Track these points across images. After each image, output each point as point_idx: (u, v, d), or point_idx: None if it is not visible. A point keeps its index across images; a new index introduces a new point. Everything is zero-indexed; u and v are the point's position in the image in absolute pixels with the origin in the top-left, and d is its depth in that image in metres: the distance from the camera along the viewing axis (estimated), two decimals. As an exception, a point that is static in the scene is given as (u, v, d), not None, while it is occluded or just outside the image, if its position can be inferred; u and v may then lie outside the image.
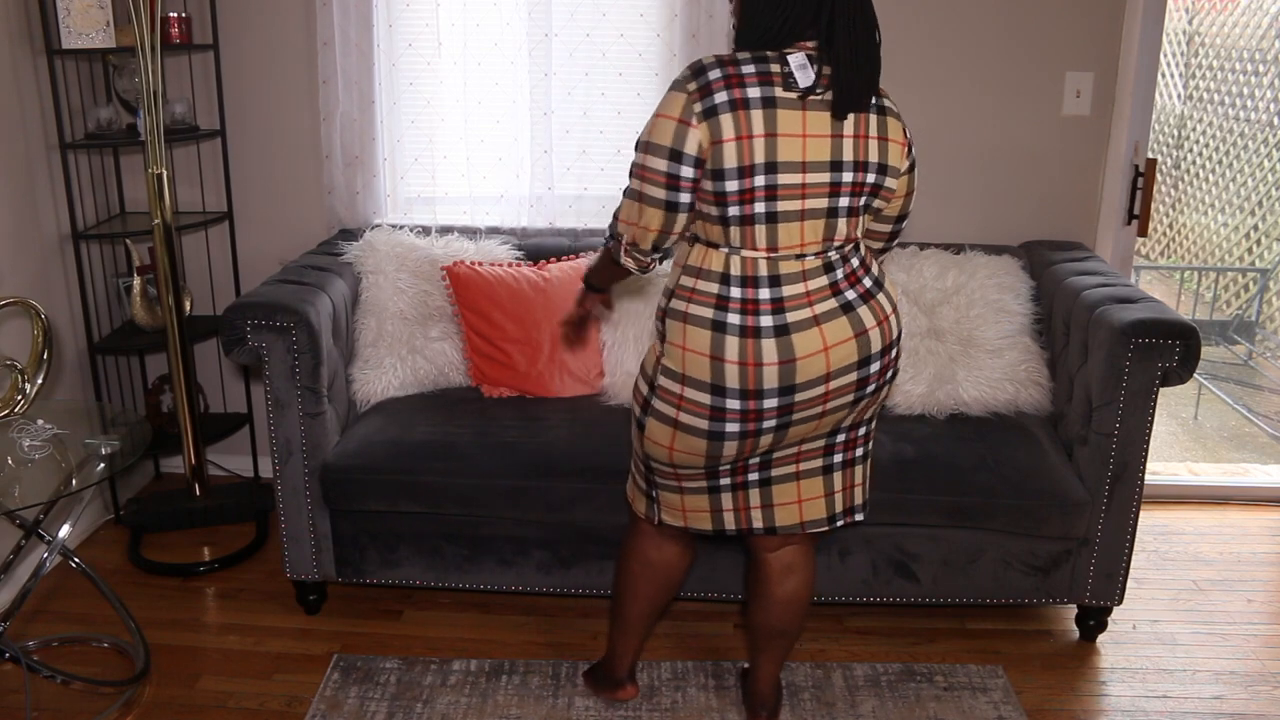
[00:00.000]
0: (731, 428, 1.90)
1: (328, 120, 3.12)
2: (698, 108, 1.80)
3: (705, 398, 1.89)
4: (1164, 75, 6.54)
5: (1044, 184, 3.21)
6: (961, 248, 3.05)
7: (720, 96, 1.79)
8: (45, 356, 2.53)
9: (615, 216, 1.96)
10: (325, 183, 3.20)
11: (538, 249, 3.10)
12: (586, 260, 2.10)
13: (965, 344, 2.84)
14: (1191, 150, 6.60)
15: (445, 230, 3.11)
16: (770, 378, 1.86)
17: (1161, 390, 2.50)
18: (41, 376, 2.52)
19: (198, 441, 3.14)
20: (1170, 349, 2.45)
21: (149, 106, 2.82)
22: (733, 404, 1.88)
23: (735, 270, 1.88)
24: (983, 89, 3.14)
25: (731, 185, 1.82)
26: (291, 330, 2.54)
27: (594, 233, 3.20)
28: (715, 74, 1.80)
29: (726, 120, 1.79)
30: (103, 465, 2.34)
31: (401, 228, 3.07)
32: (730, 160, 1.81)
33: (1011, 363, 2.83)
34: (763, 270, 1.87)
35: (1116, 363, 2.48)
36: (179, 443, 3.15)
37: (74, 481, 2.28)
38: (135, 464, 3.10)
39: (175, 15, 2.98)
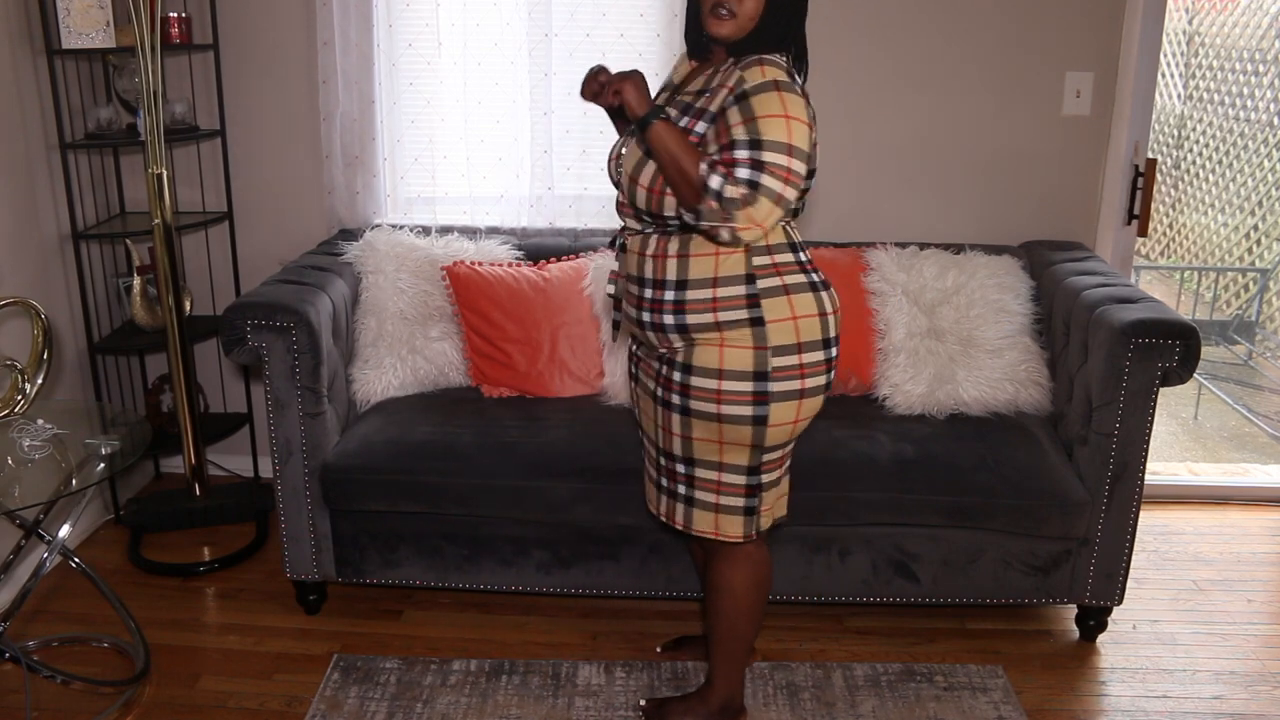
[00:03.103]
0: (830, 375, 2.08)
1: (328, 120, 3.12)
2: (811, 112, 1.91)
3: (821, 354, 2.03)
4: (1164, 75, 6.54)
5: (1044, 184, 3.21)
6: (961, 248, 3.05)
7: (807, 100, 1.93)
8: (45, 356, 2.53)
9: (729, 199, 1.82)
10: (325, 183, 3.20)
11: (538, 249, 3.10)
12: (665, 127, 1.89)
13: (965, 344, 2.84)
14: (1191, 150, 6.60)
15: (445, 230, 3.11)
16: (836, 325, 2.07)
17: (1161, 390, 2.50)
18: (41, 376, 2.52)
19: (198, 441, 3.14)
20: (1170, 349, 2.45)
21: (149, 106, 2.82)
22: (832, 352, 2.06)
23: (795, 238, 2.05)
24: (983, 89, 3.14)
25: (811, 182, 1.97)
26: (291, 330, 2.54)
27: (594, 233, 3.20)
28: (797, 78, 1.94)
29: (814, 123, 1.93)
30: (103, 465, 2.34)
31: (401, 228, 3.07)
32: (816, 160, 1.98)
33: (1011, 363, 2.83)
34: (796, 237, 2.07)
35: (1116, 363, 2.48)
36: (179, 443, 3.15)
37: (74, 481, 2.28)
38: (135, 464, 3.10)
39: (175, 15, 2.98)
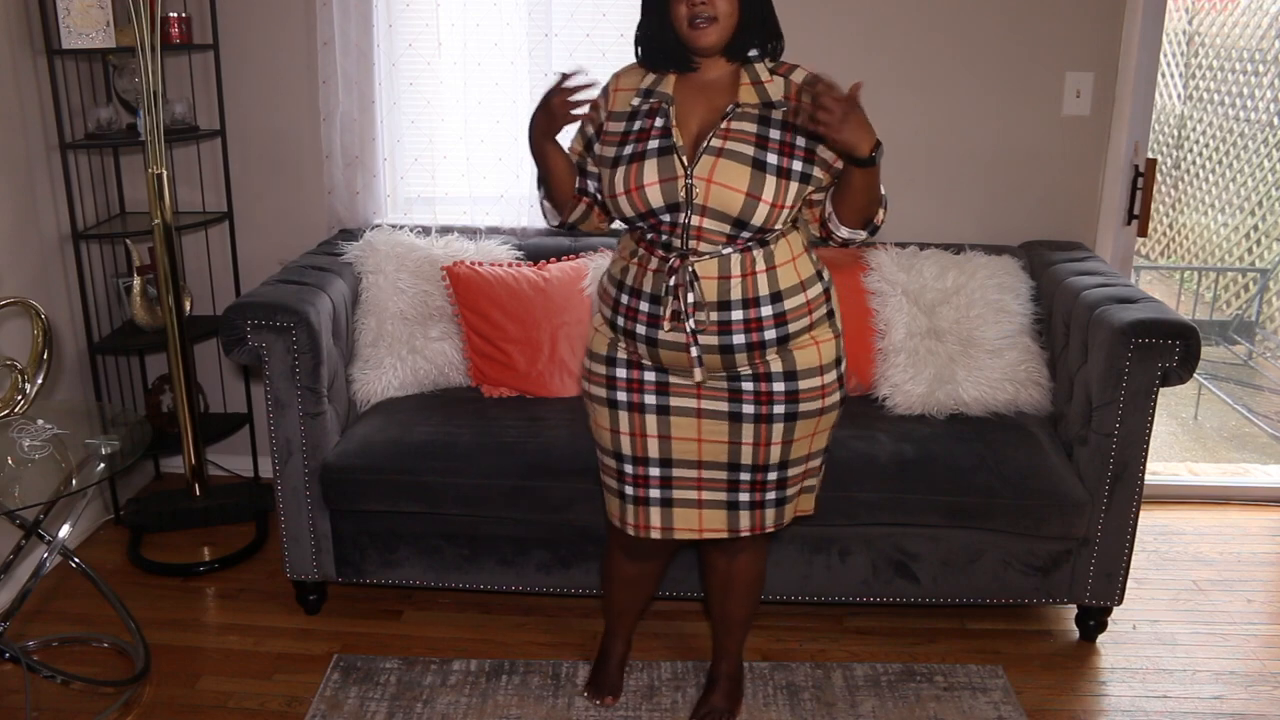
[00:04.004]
0: None
1: (328, 120, 3.12)
2: None
3: None
4: (1164, 75, 6.54)
5: (1044, 184, 3.21)
6: (961, 248, 3.04)
7: None
8: (45, 356, 2.53)
9: (886, 207, 2.00)
10: (325, 183, 3.20)
11: (538, 249, 3.10)
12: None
13: (965, 344, 2.84)
14: (1191, 150, 6.60)
15: (445, 230, 3.11)
16: None
17: (1161, 390, 2.50)
18: (41, 376, 2.52)
19: (198, 441, 3.14)
20: (1170, 349, 2.45)
21: (149, 106, 2.82)
22: None
23: None
24: (983, 89, 3.14)
25: None
26: (291, 330, 2.54)
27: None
28: None
29: None
30: (103, 465, 2.34)
31: (401, 228, 3.06)
32: None
33: (1011, 363, 2.82)
34: None
35: (1116, 363, 2.48)
36: (179, 443, 3.15)
37: (74, 481, 2.28)
38: (135, 464, 3.10)
39: (175, 15, 2.98)
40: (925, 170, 3.21)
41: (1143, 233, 3.19)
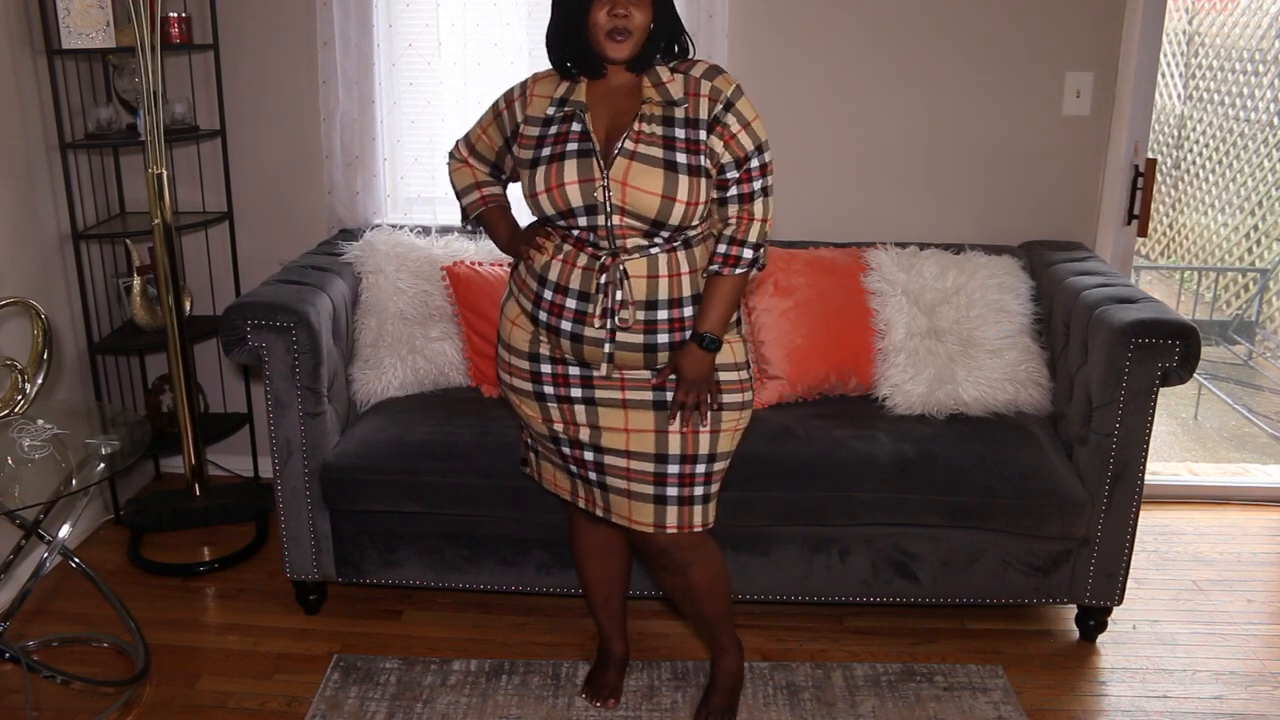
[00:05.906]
0: None
1: (328, 120, 3.12)
2: None
3: None
4: (1164, 75, 6.54)
5: (1044, 184, 3.21)
6: (961, 248, 3.04)
7: None
8: (45, 356, 2.53)
9: (765, 228, 2.04)
10: (325, 183, 3.20)
11: (538, 249, 3.09)
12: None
13: (965, 344, 2.84)
14: (1191, 150, 6.60)
15: (445, 230, 3.11)
16: None
17: (1161, 390, 2.50)
18: (41, 376, 2.52)
19: (198, 441, 3.14)
20: (1170, 349, 2.45)
21: (149, 106, 2.83)
22: None
23: None
24: (983, 89, 3.14)
25: None
26: (291, 330, 2.54)
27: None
28: None
29: None
30: (103, 465, 2.34)
31: (401, 228, 3.06)
32: None
33: (1011, 363, 2.82)
34: None
35: (1116, 363, 2.48)
36: (179, 443, 3.15)
37: (74, 481, 2.28)
38: (135, 464, 3.10)
39: (175, 15, 2.98)
40: (925, 170, 3.21)
41: (1143, 233, 3.19)
